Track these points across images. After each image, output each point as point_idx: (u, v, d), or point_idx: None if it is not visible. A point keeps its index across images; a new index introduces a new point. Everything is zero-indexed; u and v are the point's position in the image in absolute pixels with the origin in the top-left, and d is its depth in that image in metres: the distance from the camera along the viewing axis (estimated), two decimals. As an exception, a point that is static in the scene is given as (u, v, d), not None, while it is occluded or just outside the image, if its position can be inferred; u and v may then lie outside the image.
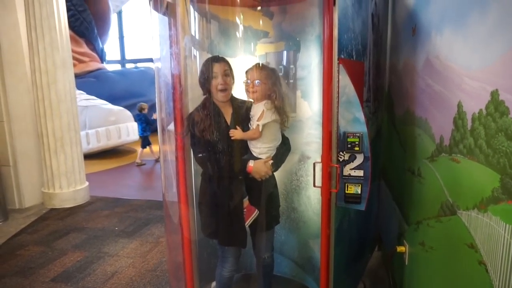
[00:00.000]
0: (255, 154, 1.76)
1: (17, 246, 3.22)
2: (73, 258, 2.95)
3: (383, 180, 2.75)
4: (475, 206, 1.04)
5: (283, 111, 1.75)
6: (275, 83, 1.73)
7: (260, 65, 1.76)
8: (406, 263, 1.93)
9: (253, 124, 1.72)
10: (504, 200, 0.87)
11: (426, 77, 1.57)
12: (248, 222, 1.81)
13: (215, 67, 1.69)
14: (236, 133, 1.73)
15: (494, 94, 0.92)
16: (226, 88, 1.72)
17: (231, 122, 1.77)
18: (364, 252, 2.55)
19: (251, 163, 1.73)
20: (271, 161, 1.76)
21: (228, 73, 1.72)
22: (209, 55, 1.86)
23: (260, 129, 1.71)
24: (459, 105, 1.16)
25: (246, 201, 1.80)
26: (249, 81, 1.71)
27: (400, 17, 2.20)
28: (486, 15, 0.98)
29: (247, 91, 1.73)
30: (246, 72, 1.74)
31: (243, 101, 1.81)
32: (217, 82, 1.69)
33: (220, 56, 1.77)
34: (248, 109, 1.77)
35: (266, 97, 1.72)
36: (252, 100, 1.76)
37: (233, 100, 1.80)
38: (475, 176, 1.06)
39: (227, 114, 1.79)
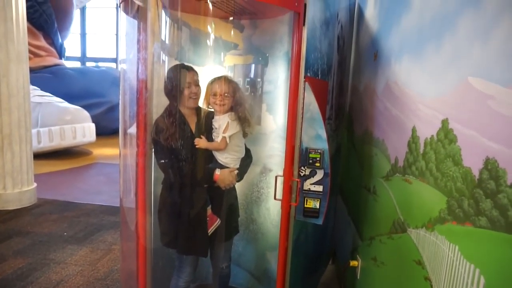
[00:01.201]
0: (221, 163, 1.77)
1: (-50, 250, 2.95)
2: (14, 265, 2.75)
3: (340, 195, 2.84)
4: (424, 225, 1.11)
5: (247, 120, 1.79)
6: (240, 95, 1.77)
7: (227, 78, 1.79)
8: (358, 277, 2.01)
9: (219, 136, 1.73)
10: (449, 221, 0.94)
11: (385, 100, 1.67)
12: (210, 231, 1.80)
13: (188, 76, 1.69)
14: (201, 142, 1.73)
15: (445, 122, 1.00)
16: (198, 97, 1.72)
17: (195, 131, 1.77)
18: (319, 265, 2.61)
19: (217, 172, 1.73)
20: (237, 171, 1.78)
21: (198, 82, 1.73)
22: (177, 62, 1.86)
23: (227, 141, 1.72)
24: (413, 130, 1.25)
25: (209, 210, 1.79)
26: (216, 95, 1.72)
27: (363, 42, 2.32)
28: (442, 48, 1.07)
29: (214, 103, 1.74)
30: (211, 84, 1.74)
31: (208, 111, 1.82)
32: (189, 91, 1.69)
33: (188, 64, 1.77)
34: (211, 119, 1.79)
35: (230, 109, 1.75)
36: (215, 111, 1.77)
37: (198, 109, 1.80)
38: (424, 197, 1.13)
39: (192, 122, 1.78)
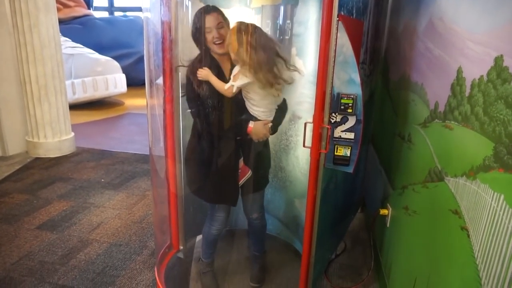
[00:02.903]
0: (253, 115, 1.70)
1: (1, 193, 3.19)
2: (59, 207, 2.96)
3: (371, 144, 2.76)
4: (464, 173, 1.04)
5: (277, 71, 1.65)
6: (262, 45, 1.57)
7: (247, 27, 1.57)
8: (388, 225, 1.99)
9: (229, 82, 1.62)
10: (495, 168, 0.87)
11: (427, 40, 1.52)
12: (241, 182, 1.80)
13: (207, 20, 1.58)
14: (204, 73, 1.61)
15: (498, 59, 0.88)
16: (222, 41, 1.61)
17: (229, 77, 1.69)
18: (348, 214, 2.61)
19: (251, 124, 1.68)
20: (271, 124, 1.71)
21: (222, 25, 1.60)
22: (202, 4, 1.75)
23: (234, 90, 1.60)
24: (459, 71, 1.13)
25: (241, 162, 1.78)
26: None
27: (405, -25, 2.09)
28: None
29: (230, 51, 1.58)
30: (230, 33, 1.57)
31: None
32: (211, 36, 1.59)
33: (211, 6, 1.65)
34: None
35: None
36: None
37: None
38: (467, 144, 1.05)
39: (226, 69, 1.70)
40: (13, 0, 3.70)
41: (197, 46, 1.66)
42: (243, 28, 1.55)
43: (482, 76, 0.96)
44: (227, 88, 1.60)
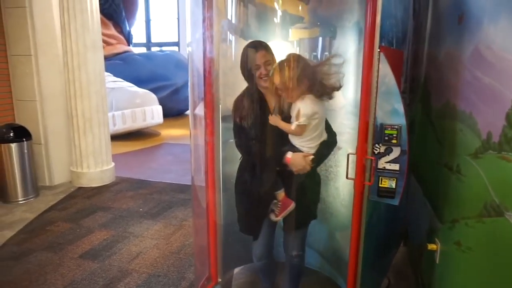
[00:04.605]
0: (297, 147, 1.71)
1: (47, 222, 3.33)
2: (100, 236, 3.03)
3: (412, 174, 2.66)
4: (528, 209, 0.97)
5: (324, 92, 1.66)
6: (309, 76, 1.62)
7: (289, 62, 1.62)
8: (437, 261, 1.87)
9: (293, 124, 1.65)
10: None
11: (474, 68, 1.48)
12: (282, 215, 1.77)
13: (257, 57, 1.64)
14: (273, 119, 1.68)
15: (562, 89, 0.84)
16: (268, 76, 1.66)
17: (274, 111, 1.72)
18: (391, 247, 2.49)
19: (289, 155, 1.67)
20: (312, 157, 1.69)
21: (270, 62, 1.66)
22: (243, 40, 1.82)
23: (304, 128, 1.64)
24: (514, 100, 1.08)
25: (282, 193, 1.76)
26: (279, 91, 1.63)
27: (444, 4, 2.08)
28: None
29: (280, 90, 1.65)
30: (275, 70, 1.63)
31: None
32: (259, 72, 1.65)
33: (259, 42, 1.71)
34: None
35: (303, 92, 1.63)
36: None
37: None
38: (530, 177, 0.98)
39: (270, 102, 1.74)
40: (65, 40, 4.01)
41: (247, 81, 1.73)
42: (296, 60, 1.62)
43: (543, 106, 0.92)
44: (295, 128, 1.64)
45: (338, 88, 1.66)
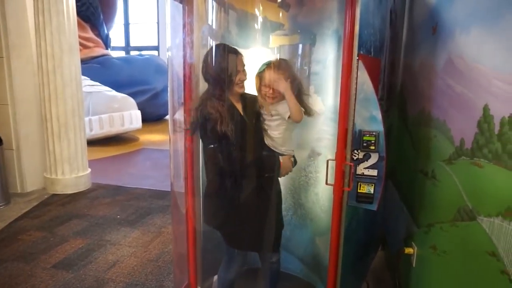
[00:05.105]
0: (280, 152, 1.72)
1: (18, 230, 3.20)
2: (75, 245, 2.94)
3: (390, 180, 2.71)
4: (499, 213, 1.01)
5: (305, 102, 1.72)
6: (293, 80, 1.67)
7: (276, 64, 1.67)
8: (414, 265, 1.91)
9: (275, 121, 1.68)
10: (535, 209, 0.84)
11: (447, 77, 1.53)
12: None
13: (237, 62, 1.64)
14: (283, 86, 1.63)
15: (529, 98, 0.88)
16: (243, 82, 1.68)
17: (243, 116, 1.73)
18: (369, 252, 2.53)
19: (281, 159, 1.70)
20: (293, 158, 1.75)
21: (245, 67, 1.67)
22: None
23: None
24: (485, 108, 1.13)
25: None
26: (267, 86, 1.65)
27: (419, 15, 2.14)
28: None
29: (264, 95, 1.68)
30: (263, 73, 1.67)
31: (252, 96, 1.76)
32: (239, 76, 1.64)
33: (233, 47, 1.72)
34: (255, 103, 1.74)
35: (283, 97, 1.66)
36: (263, 101, 1.71)
37: (242, 94, 1.75)
38: (500, 183, 1.02)
39: (238, 107, 1.75)
40: (40, 42, 3.90)
41: (215, 83, 1.66)
42: (282, 64, 1.69)
43: (512, 114, 0.96)
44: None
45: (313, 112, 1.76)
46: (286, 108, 1.66)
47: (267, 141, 1.73)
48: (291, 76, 1.65)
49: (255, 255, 2.31)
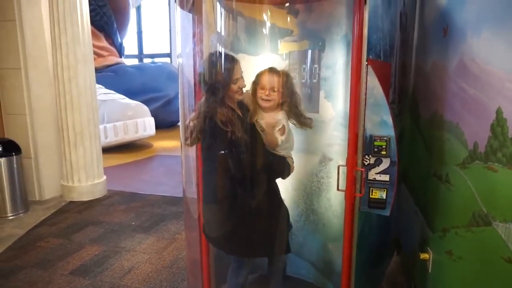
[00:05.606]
0: (279, 154, 1.72)
1: (37, 237, 3.28)
2: (91, 252, 2.99)
3: (403, 183, 2.68)
4: (515, 219, 0.99)
5: (300, 114, 1.71)
6: (291, 89, 1.67)
7: (276, 70, 1.67)
8: (430, 270, 1.88)
9: (275, 134, 1.66)
10: (551, 216, 0.82)
11: (459, 80, 1.51)
12: None
13: (236, 69, 1.63)
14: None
15: (542, 101, 0.86)
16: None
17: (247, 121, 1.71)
18: (384, 257, 2.50)
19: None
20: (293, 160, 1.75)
21: (242, 74, 1.66)
22: (232, 53, 1.83)
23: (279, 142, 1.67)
24: (499, 111, 1.11)
25: None
26: (263, 89, 1.64)
27: (429, 17, 2.12)
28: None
29: (260, 98, 1.65)
30: (259, 76, 1.66)
31: (241, 101, 1.73)
32: (237, 86, 1.63)
33: (229, 53, 1.71)
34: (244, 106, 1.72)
35: (278, 105, 1.66)
36: (260, 106, 1.68)
37: (239, 102, 1.73)
38: (515, 187, 1.00)
39: (239, 112, 1.73)
40: (56, 53, 4.00)
41: (216, 92, 1.64)
42: (283, 71, 1.68)
43: (526, 118, 0.94)
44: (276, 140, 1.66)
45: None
46: (276, 121, 1.65)
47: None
48: (290, 84, 1.65)
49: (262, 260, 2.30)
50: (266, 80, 1.63)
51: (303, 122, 1.74)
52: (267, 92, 1.62)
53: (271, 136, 1.66)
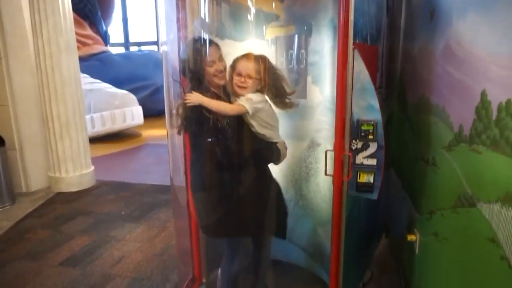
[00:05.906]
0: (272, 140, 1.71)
1: (25, 229, 3.24)
2: (81, 242, 2.97)
3: (392, 167, 2.71)
4: (498, 200, 1.00)
5: (280, 95, 1.66)
6: (270, 74, 1.61)
7: (254, 55, 1.61)
8: (417, 252, 1.91)
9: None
10: (533, 195, 0.83)
11: (445, 63, 1.51)
12: None
13: (211, 52, 1.58)
14: (193, 97, 1.54)
15: (526, 82, 0.87)
16: (224, 73, 1.62)
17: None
18: (372, 240, 2.54)
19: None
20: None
21: (222, 57, 1.61)
22: (218, 39, 1.80)
23: (248, 105, 1.57)
24: (483, 94, 1.11)
25: None
26: (240, 75, 1.57)
27: (416, 0, 2.11)
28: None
29: (235, 84, 1.59)
30: (236, 62, 1.59)
31: (225, 86, 1.68)
32: (213, 69, 1.58)
33: (209, 39, 1.65)
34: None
35: (254, 91, 1.60)
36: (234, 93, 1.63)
37: (224, 87, 1.68)
38: (498, 169, 1.01)
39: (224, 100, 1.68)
40: (37, 42, 3.89)
41: (191, 78, 1.61)
42: (262, 56, 1.61)
43: (509, 99, 0.95)
44: (238, 106, 1.58)
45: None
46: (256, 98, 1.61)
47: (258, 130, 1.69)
48: (266, 71, 1.59)
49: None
50: (242, 66, 1.57)
51: (284, 103, 1.68)
52: (242, 79, 1.57)
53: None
